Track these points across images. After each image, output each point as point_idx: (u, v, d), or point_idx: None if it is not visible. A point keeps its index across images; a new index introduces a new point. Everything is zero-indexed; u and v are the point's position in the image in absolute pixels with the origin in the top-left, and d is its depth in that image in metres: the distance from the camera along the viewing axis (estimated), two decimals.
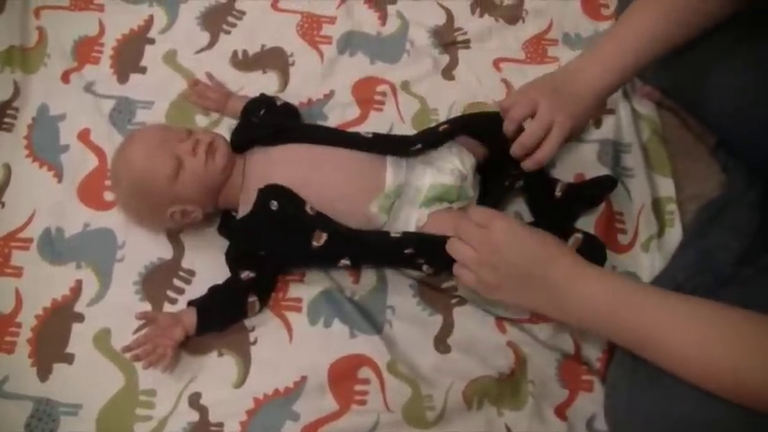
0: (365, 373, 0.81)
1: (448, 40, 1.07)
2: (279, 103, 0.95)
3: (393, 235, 0.80)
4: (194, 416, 0.79)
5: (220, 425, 0.78)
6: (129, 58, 1.02)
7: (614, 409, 0.74)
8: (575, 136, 0.80)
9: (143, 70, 1.01)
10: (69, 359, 0.81)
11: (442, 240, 0.75)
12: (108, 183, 0.91)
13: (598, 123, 0.99)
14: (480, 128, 0.86)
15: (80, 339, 0.82)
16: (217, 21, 1.06)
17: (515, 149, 0.79)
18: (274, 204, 0.79)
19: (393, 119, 0.99)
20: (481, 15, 1.10)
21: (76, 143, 0.94)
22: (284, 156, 0.84)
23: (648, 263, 0.89)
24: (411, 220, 0.83)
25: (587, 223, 0.91)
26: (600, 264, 0.79)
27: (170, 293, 0.85)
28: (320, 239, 0.79)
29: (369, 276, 0.87)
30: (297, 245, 0.80)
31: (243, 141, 0.86)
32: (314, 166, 0.83)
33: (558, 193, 0.89)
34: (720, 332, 0.59)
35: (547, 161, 0.78)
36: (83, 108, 0.97)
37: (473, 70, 1.04)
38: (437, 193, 0.82)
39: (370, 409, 0.79)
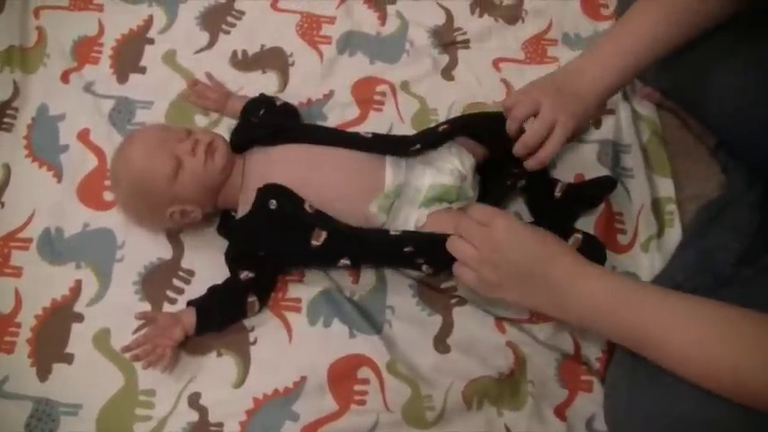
0: (365, 373, 0.81)
1: (447, 40, 1.07)
2: (278, 103, 0.95)
3: (393, 233, 0.80)
4: (194, 416, 0.79)
5: (220, 425, 0.78)
6: (128, 58, 1.02)
7: (614, 409, 0.74)
8: (577, 135, 0.80)
9: (142, 70, 1.01)
10: (69, 359, 0.81)
11: (443, 238, 0.75)
12: (107, 183, 0.91)
13: (598, 124, 0.99)
14: (480, 128, 0.86)
15: (80, 339, 0.82)
16: (216, 21, 1.06)
17: (518, 149, 0.79)
18: (273, 203, 0.79)
19: (392, 119, 0.99)
20: (481, 15, 1.10)
21: (76, 143, 0.94)
22: (284, 156, 0.84)
23: (648, 263, 0.89)
24: (410, 220, 0.82)
25: (587, 223, 0.91)
26: (600, 264, 0.79)
27: (169, 293, 0.85)
28: (320, 238, 0.79)
29: (368, 276, 0.87)
30: (296, 244, 0.80)
31: (242, 141, 0.86)
32: (313, 166, 0.83)
33: (557, 194, 0.89)
34: (720, 331, 0.59)
35: (549, 160, 0.78)
36: (82, 108, 0.97)
37: (472, 70, 1.04)
38: (436, 194, 0.82)
39: (370, 410, 0.79)
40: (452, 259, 0.74)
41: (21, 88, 0.98)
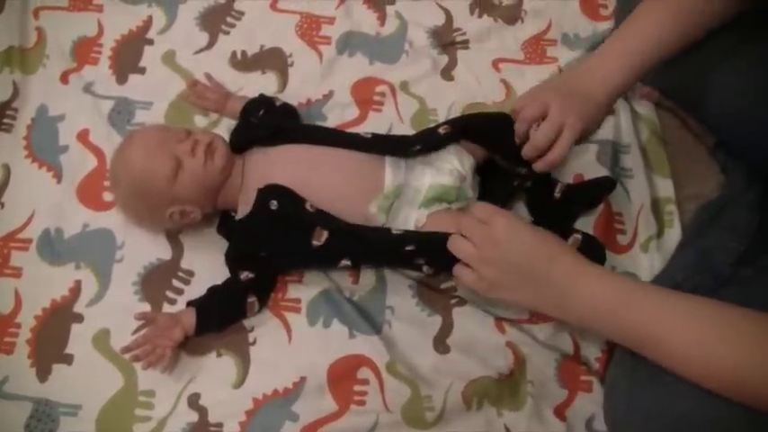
0: (364, 373, 0.81)
1: (447, 40, 1.07)
2: (278, 103, 0.94)
3: (395, 232, 0.80)
4: (193, 416, 0.79)
5: (219, 425, 0.78)
6: (128, 58, 1.02)
7: (614, 409, 0.74)
8: (585, 137, 0.81)
9: (142, 71, 1.01)
10: (68, 360, 0.81)
11: (444, 238, 0.75)
12: (107, 183, 0.91)
13: None
14: (482, 132, 0.86)
15: (79, 340, 0.82)
16: (216, 21, 1.06)
17: (527, 151, 0.79)
18: (274, 204, 0.79)
19: (392, 119, 0.99)
20: (480, 16, 1.10)
21: (76, 144, 0.94)
22: (283, 156, 0.84)
23: (647, 263, 0.89)
24: (410, 220, 0.82)
25: (586, 224, 0.91)
26: (599, 264, 0.79)
27: (169, 294, 0.85)
28: (321, 238, 0.78)
29: (368, 277, 0.87)
30: (297, 244, 0.80)
31: (242, 142, 0.86)
32: (313, 166, 0.83)
33: (557, 194, 0.89)
34: (720, 331, 0.59)
35: (558, 163, 0.78)
36: (82, 109, 0.97)
37: (472, 70, 1.04)
38: (436, 194, 0.82)
39: (370, 410, 0.79)
40: (453, 260, 0.75)
41: (20, 89, 0.98)
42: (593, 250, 0.81)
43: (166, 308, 0.84)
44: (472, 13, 1.10)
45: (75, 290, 0.85)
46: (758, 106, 0.81)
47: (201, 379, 0.81)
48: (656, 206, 0.93)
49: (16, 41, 1.01)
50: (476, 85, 1.03)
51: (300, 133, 0.86)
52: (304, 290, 0.85)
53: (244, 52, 1.04)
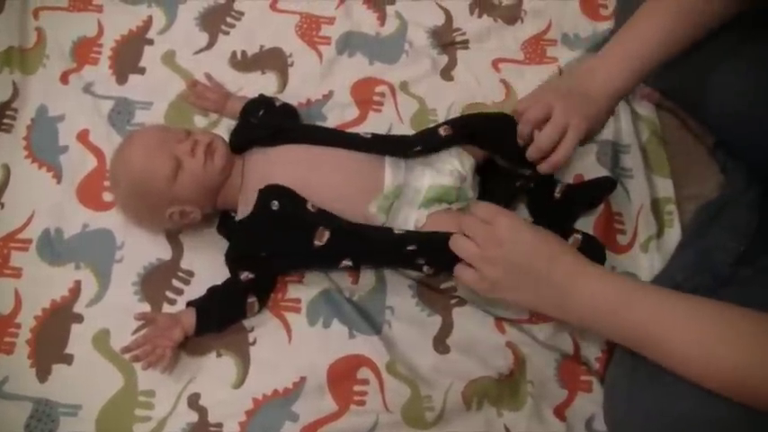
0: (364, 373, 0.81)
1: (446, 40, 1.07)
2: (278, 103, 0.94)
3: (396, 231, 0.80)
4: (193, 416, 0.79)
5: (219, 425, 0.78)
6: (127, 58, 1.02)
7: (614, 409, 0.74)
8: (589, 138, 0.80)
9: (142, 71, 1.01)
10: (68, 360, 0.81)
11: (445, 237, 0.75)
12: (107, 183, 0.91)
13: None
14: (483, 133, 0.85)
15: (79, 340, 0.82)
16: (215, 21, 1.06)
17: (532, 153, 0.79)
18: (275, 204, 0.79)
19: (392, 119, 0.99)
20: (480, 16, 1.10)
21: (75, 144, 0.94)
22: (283, 156, 0.84)
23: (647, 263, 0.89)
24: (410, 220, 0.82)
25: (586, 224, 0.91)
26: (599, 264, 0.79)
27: (169, 294, 0.85)
28: (322, 238, 0.78)
29: (368, 277, 0.87)
30: (298, 244, 0.80)
31: (242, 142, 0.86)
32: (313, 166, 0.82)
33: (557, 194, 0.89)
34: (720, 331, 0.59)
35: (562, 164, 0.78)
36: (82, 109, 0.97)
37: (472, 71, 1.04)
38: (436, 194, 0.82)
39: (370, 410, 0.79)
40: (454, 260, 0.75)
41: (20, 89, 0.98)
42: (594, 250, 0.81)
43: (166, 308, 0.84)
44: (472, 13, 1.10)
45: (75, 290, 0.85)
46: (758, 106, 0.81)
47: (201, 379, 0.81)
48: (656, 206, 0.93)
49: (16, 42, 1.01)
50: (475, 86, 1.03)
51: (300, 133, 0.86)
52: (304, 290, 0.85)
53: (244, 52, 1.04)
